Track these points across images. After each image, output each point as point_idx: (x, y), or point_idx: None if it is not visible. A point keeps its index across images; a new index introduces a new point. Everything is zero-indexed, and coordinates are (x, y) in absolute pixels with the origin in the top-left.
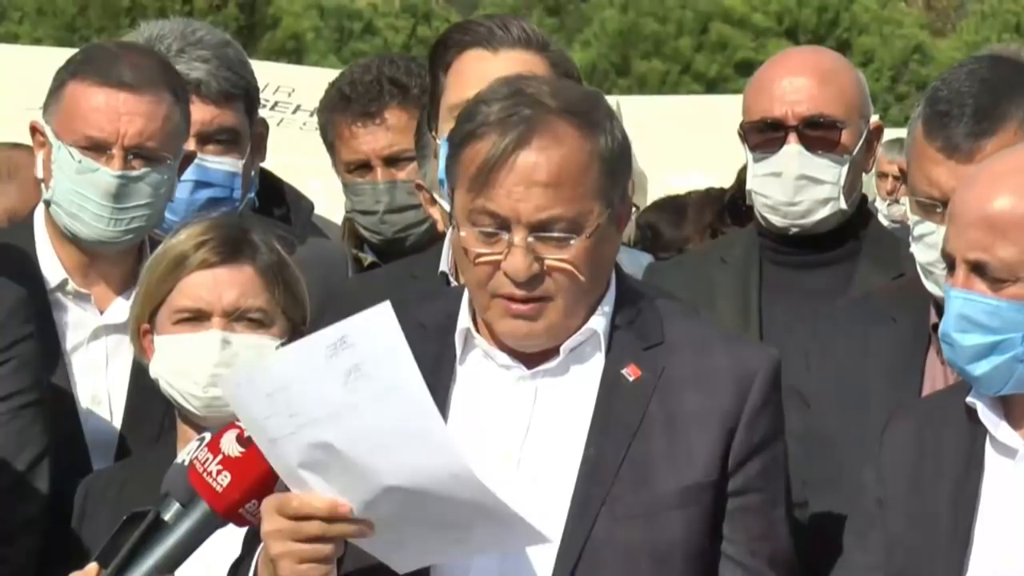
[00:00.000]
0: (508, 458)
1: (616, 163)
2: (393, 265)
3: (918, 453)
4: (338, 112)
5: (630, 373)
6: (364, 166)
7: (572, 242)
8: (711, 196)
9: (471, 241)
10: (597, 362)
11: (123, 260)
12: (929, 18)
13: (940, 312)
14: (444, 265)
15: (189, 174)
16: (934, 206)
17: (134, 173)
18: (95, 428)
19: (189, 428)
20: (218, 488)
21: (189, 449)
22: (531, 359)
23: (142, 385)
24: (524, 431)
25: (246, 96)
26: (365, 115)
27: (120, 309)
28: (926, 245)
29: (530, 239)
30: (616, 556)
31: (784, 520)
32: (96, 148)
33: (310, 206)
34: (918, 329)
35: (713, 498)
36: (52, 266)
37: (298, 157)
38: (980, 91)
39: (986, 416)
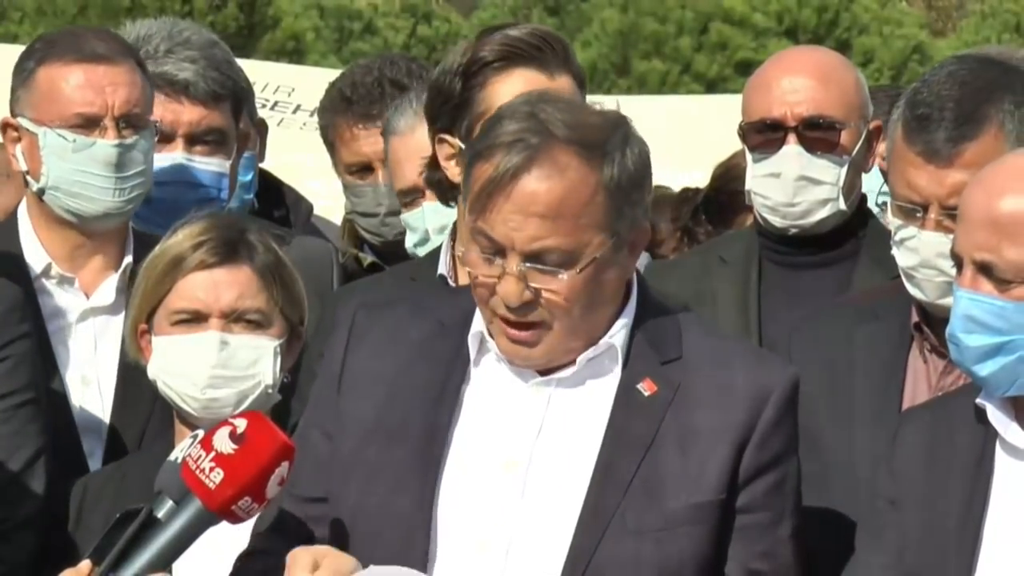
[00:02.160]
0: (514, 465)
1: (625, 193)
2: (394, 268)
3: (930, 453)
4: (339, 114)
5: (646, 388)
6: (365, 168)
7: (561, 275)
8: (686, 196)
9: (471, 260)
10: (613, 375)
11: (110, 242)
12: (929, 18)
13: (922, 312)
14: (443, 268)
15: (176, 175)
16: (914, 211)
17: (128, 141)
18: (85, 410)
19: (186, 428)
20: (211, 485)
21: (182, 446)
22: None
23: (131, 366)
24: (535, 436)
25: (233, 96)
26: (366, 117)
27: (107, 291)
28: (907, 249)
29: (524, 266)
30: (623, 571)
31: (788, 540)
32: (87, 124)
33: (309, 207)
34: (902, 328)
35: (723, 516)
36: (35, 253)
37: (298, 157)
38: (960, 95)
39: (995, 417)
